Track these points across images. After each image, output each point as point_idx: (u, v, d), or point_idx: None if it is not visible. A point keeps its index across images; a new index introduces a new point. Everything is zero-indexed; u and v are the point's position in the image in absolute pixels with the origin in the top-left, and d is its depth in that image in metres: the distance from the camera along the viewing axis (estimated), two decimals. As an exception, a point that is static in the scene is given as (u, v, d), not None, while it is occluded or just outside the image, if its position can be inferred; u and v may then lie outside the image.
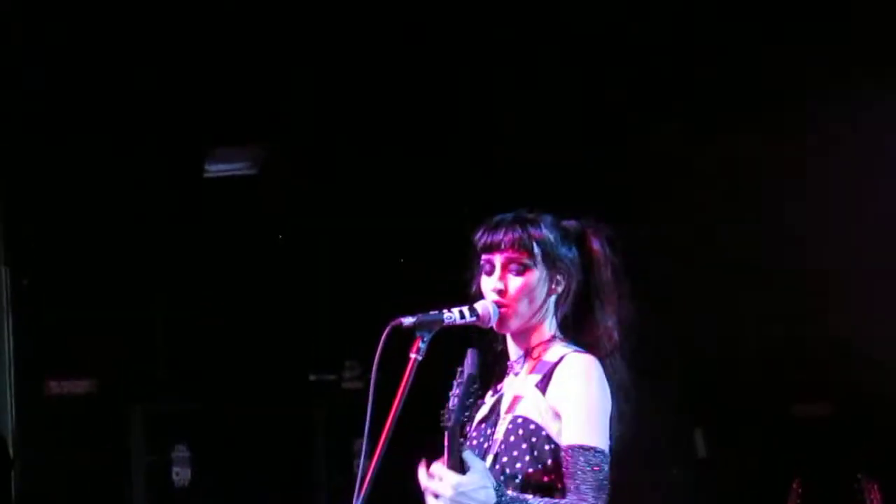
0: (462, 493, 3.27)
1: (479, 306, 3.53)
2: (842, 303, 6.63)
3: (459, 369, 3.41)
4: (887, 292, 6.57)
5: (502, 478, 3.43)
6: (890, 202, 6.61)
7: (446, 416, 3.33)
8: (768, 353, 7.09)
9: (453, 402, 3.38)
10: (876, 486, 5.72)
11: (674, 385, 7.10)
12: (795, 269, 6.79)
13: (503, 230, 3.56)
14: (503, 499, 3.30)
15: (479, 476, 3.30)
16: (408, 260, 7.77)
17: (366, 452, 3.35)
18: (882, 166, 6.65)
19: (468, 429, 3.60)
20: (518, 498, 3.34)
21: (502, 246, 3.54)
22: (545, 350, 3.55)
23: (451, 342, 3.49)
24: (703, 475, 7.42)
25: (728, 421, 7.26)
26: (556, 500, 3.37)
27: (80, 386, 7.81)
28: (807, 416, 7.19)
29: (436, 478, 3.31)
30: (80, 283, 7.67)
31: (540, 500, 3.36)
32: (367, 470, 3.32)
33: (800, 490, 5.34)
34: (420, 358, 3.38)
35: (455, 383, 3.43)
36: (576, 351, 3.50)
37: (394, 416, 3.32)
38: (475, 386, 3.41)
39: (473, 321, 3.51)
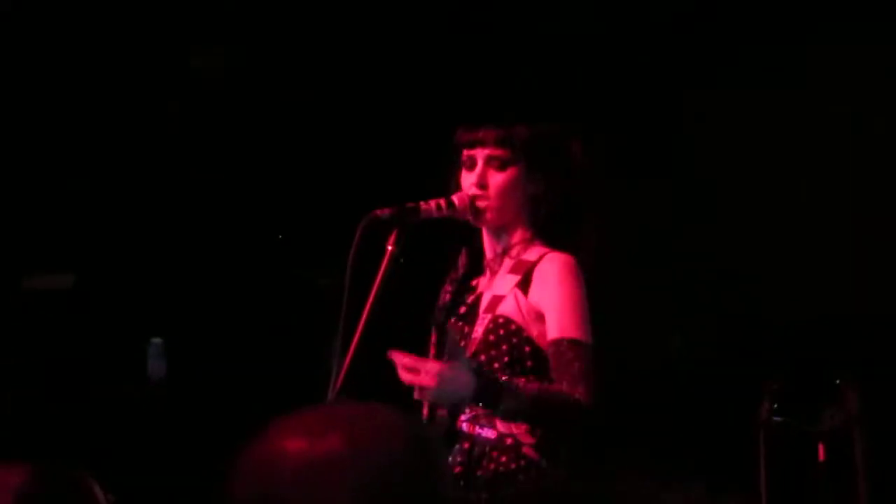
0: (445, 381, 3.23)
1: (456, 198, 3.51)
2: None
3: (454, 267, 3.39)
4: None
5: None
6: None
7: (438, 312, 3.31)
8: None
9: (445, 298, 3.35)
10: (854, 394, 5.71)
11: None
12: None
13: (487, 126, 3.54)
14: (489, 380, 3.30)
15: (459, 362, 3.30)
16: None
17: (340, 349, 3.32)
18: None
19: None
20: (508, 383, 3.33)
21: (485, 141, 3.53)
22: (524, 249, 3.54)
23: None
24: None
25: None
26: (549, 385, 3.35)
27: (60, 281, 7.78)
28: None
29: (415, 371, 3.27)
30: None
31: (530, 383, 3.35)
32: (341, 366, 3.30)
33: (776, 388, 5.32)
34: (397, 250, 3.36)
35: (449, 280, 3.39)
36: (554, 250, 3.49)
37: (369, 309, 3.30)
38: (467, 284, 3.39)
39: (450, 213, 3.49)
